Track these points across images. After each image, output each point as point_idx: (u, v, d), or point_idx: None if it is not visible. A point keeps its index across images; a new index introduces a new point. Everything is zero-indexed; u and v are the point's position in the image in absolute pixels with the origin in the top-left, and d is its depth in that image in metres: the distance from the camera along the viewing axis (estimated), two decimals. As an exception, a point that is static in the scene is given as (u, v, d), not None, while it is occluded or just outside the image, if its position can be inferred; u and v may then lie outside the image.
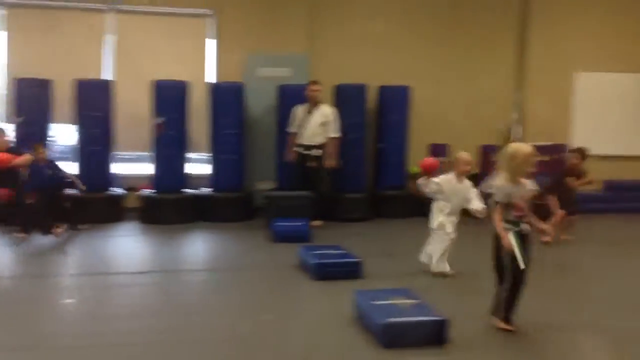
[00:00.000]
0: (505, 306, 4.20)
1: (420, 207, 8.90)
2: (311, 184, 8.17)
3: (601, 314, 4.70)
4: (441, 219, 5.69)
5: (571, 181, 7.50)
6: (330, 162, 8.27)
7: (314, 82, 8.30)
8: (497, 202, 4.19)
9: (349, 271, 5.51)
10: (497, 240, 4.20)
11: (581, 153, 7.71)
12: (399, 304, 4.20)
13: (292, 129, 8.31)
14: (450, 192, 5.64)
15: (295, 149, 8.27)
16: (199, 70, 9.41)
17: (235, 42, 9.24)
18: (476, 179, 9.30)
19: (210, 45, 9.42)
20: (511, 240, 4.08)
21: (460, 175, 5.69)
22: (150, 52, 9.17)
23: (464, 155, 5.75)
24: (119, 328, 4.30)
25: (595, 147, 9.92)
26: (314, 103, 8.23)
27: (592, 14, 10.15)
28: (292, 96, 8.61)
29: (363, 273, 5.55)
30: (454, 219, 5.71)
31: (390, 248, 6.96)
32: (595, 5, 10.16)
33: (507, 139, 9.81)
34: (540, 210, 5.22)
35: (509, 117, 9.93)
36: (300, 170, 8.25)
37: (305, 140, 8.22)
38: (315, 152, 8.20)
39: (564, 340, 4.16)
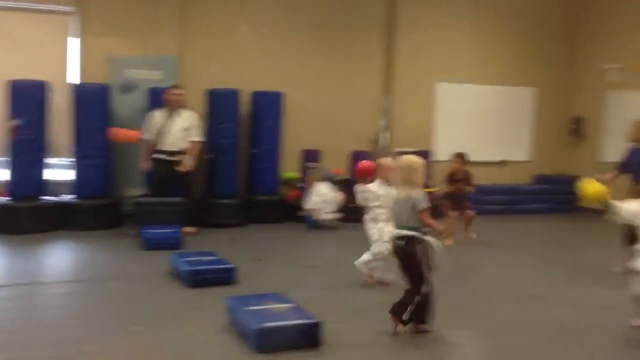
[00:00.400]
0: (420, 309, 4.25)
1: (292, 212, 9.12)
2: (181, 190, 8.00)
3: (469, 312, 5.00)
4: (380, 225, 5.44)
5: (458, 185, 8.04)
6: (189, 165, 8.06)
7: (176, 87, 8.13)
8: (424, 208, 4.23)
9: (223, 277, 5.46)
10: (414, 245, 4.22)
11: (461, 157, 8.27)
12: (272, 308, 4.23)
13: (148, 135, 7.98)
14: (386, 198, 5.21)
15: (155, 156, 8.03)
16: (61, 70, 8.88)
17: (101, 41, 8.80)
18: (347, 184, 9.67)
19: (74, 44, 8.92)
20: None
21: (385, 181, 5.50)
22: (6, 49, 8.53)
23: (387, 161, 5.63)
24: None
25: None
26: (175, 107, 8.06)
27: (455, 27, 10.74)
28: (160, 99, 8.39)
29: (237, 279, 5.52)
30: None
31: (264, 253, 6.97)
32: (459, 19, 10.78)
33: (376, 145, 10.23)
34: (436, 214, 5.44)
35: (377, 124, 10.32)
36: (164, 177, 8.01)
37: (168, 147, 8.01)
38: (179, 158, 8.02)
39: (436, 339, 4.36)
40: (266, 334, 3.92)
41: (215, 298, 4.87)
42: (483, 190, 9.92)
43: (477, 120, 10.93)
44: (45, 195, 8.14)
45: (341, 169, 9.67)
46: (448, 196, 8.05)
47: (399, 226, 4.33)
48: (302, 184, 9.37)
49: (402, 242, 4.27)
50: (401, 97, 10.44)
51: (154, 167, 8.00)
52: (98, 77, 8.58)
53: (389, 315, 4.31)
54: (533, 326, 4.64)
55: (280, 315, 4.13)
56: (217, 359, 3.83)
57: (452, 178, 8.17)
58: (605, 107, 10.93)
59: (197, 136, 8.16)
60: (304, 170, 9.49)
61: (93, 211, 8.11)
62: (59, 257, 7.13)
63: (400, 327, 4.30)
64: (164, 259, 6.01)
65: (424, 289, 4.22)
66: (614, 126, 10.82)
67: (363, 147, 9.95)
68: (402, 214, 4.32)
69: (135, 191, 8.50)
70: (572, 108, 11.48)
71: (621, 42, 10.60)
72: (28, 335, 4.19)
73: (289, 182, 9.62)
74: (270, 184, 9.27)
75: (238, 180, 9.08)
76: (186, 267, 5.44)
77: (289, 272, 6.14)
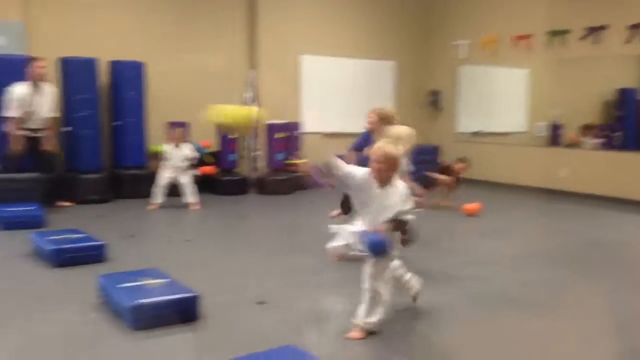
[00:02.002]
0: None
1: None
2: (47, 168, 7.57)
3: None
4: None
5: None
6: (53, 143, 7.75)
7: (40, 59, 7.61)
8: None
9: (92, 255, 5.24)
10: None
11: (466, 161, 8.90)
12: (148, 284, 4.16)
13: (13, 112, 7.41)
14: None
15: (22, 133, 7.49)
16: None
17: None
18: (216, 157, 9.60)
19: None
20: None
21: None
22: None
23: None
24: None
25: (321, 126, 10.90)
26: (39, 81, 7.55)
27: (309, 1, 10.92)
28: (7, 69, 7.78)
29: (107, 257, 5.34)
30: None
31: (134, 229, 6.79)
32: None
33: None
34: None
35: (244, 96, 10.28)
36: (33, 155, 7.55)
37: (34, 123, 7.52)
38: (43, 134, 7.59)
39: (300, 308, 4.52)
40: (141, 310, 3.85)
41: (85, 277, 4.69)
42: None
43: (342, 93, 11.24)
44: None
45: (209, 142, 9.59)
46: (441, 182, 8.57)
47: None
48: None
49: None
50: (266, 70, 10.47)
51: (24, 145, 7.49)
52: None
53: None
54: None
55: (155, 290, 4.08)
56: (91, 339, 3.70)
57: (449, 170, 8.74)
58: (459, 81, 11.71)
59: (55, 112, 7.78)
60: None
61: None
62: None
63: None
64: (24, 239, 5.67)
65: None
66: (467, 99, 11.67)
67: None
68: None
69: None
70: (430, 81, 12.17)
71: (471, 18, 11.37)
72: None
73: (156, 155, 9.37)
74: (137, 158, 8.98)
75: (102, 154, 8.70)
76: (51, 246, 5.17)
77: (162, 248, 6.05)
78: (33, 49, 8.25)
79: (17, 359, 3.43)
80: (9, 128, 7.48)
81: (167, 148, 8.22)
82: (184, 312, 3.98)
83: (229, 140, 9.54)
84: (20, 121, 7.47)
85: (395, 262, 4.04)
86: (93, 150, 8.52)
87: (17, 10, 8.41)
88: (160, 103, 9.30)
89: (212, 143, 9.64)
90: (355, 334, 3.75)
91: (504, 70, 11.29)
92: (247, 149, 10.26)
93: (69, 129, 8.35)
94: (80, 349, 3.59)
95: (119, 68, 8.90)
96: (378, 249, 3.70)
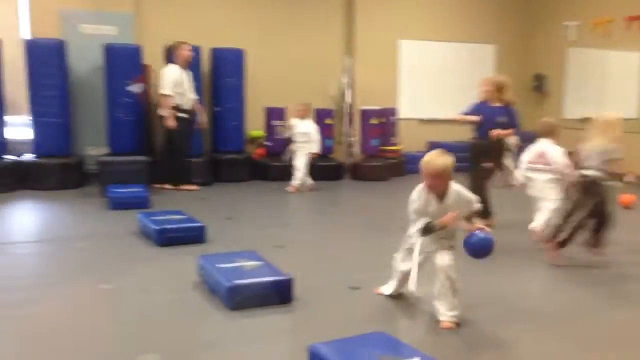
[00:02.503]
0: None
1: (259, 170, 9.12)
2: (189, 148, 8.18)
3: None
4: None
5: None
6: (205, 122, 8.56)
7: (186, 43, 8.07)
8: None
9: (192, 236, 5.44)
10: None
11: None
12: (244, 266, 4.26)
13: (168, 91, 7.84)
14: None
15: (178, 115, 7.93)
16: (13, 25, 8.55)
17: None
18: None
19: (23, -2, 8.59)
20: None
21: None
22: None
23: None
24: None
25: (418, 112, 10.73)
26: (188, 64, 8.02)
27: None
28: (119, 56, 8.21)
29: (206, 238, 5.52)
30: None
31: (232, 212, 6.98)
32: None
33: (340, 103, 10.25)
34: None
35: (340, 82, 10.30)
36: (186, 135, 8.09)
37: (186, 104, 8.01)
38: (191, 116, 8.14)
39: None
40: (238, 291, 3.96)
41: (185, 257, 4.89)
42: (451, 148, 10.08)
43: (439, 78, 11.01)
44: (4, 154, 7.94)
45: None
46: None
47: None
48: (268, 142, 9.36)
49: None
50: (363, 55, 10.42)
51: (178, 126, 7.91)
52: (49, 32, 8.30)
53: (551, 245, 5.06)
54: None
55: (251, 272, 4.17)
56: (189, 316, 3.86)
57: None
58: (566, 65, 11.13)
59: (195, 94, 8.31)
60: (269, 128, 9.45)
61: (54, 170, 7.96)
62: (21, 217, 6.99)
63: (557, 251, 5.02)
64: (131, 218, 5.97)
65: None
66: (575, 84, 11.06)
67: (326, 104, 9.98)
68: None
69: (98, 150, 8.38)
70: (534, 65, 11.65)
71: (581, -1, 10.76)
72: (-4, 297, 4.16)
73: (254, 140, 9.60)
74: (236, 142, 9.22)
75: (203, 139, 9.01)
76: (154, 226, 5.42)
77: (259, 231, 6.18)
78: (141, 38, 8.65)
79: (124, 330, 3.62)
80: (166, 106, 7.86)
81: (294, 122, 8.44)
82: (278, 294, 4.05)
83: (325, 126, 9.59)
84: (171, 100, 7.87)
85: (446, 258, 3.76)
86: (196, 135, 8.81)
87: (130, 2, 8.84)
88: (259, 89, 9.49)
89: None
90: (447, 324, 3.68)
91: (616, 53, 10.60)
92: (343, 135, 10.28)
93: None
94: (179, 323, 3.73)
95: (220, 55, 9.16)
96: (487, 247, 3.64)
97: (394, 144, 10.08)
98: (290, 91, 9.68)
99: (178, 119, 7.89)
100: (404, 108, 10.58)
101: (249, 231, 6.09)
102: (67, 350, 3.33)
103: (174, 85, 7.82)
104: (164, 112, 7.84)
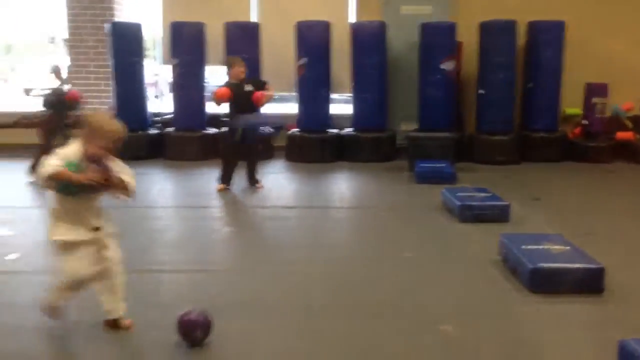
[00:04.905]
0: None
1: (574, 151, 8.48)
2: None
3: None
4: None
5: None
6: None
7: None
8: None
9: (496, 214, 5.33)
10: None
11: None
12: (550, 249, 4.04)
13: None
14: None
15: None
16: (340, 10, 9.36)
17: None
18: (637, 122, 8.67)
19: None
20: None
21: None
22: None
23: None
24: (280, 257, 4.55)
25: None
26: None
27: None
28: (434, 34, 8.39)
29: (510, 217, 5.36)
30: None
31: (540, 193, 6.63)
32: None
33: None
34: None
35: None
36: None
37: None
38: None
39: None
40: (542, 274, 3.77)
41: (487, 234, 4.82)
42: None
43: None
44: (329, 128, 8.80)
45: (631, 104, 8.66)
46: None
47: None
48: (585, 121, 8.65)
49: None
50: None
51: None
52: (372, 15, 8.86)
53: None
54: None
55: (557, 256, 3.93)
56: (487, 293, 3.81)
57: None
58: None
59: None
60: (588, 105, 8.69)
61: (370, 144, 8.55)
62: (339, 185, 7.73)
63: None
64: (435, 193, 6.10)
65: None
66: None
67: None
68: None
69: (409, 126, 8.74)
70: None
71: None
72: (313, 252, 4.66)
73: (570, 119, 8.95)
74: (548, 121, 8.71)
75: (512, 117, 8.71)
76: (459, 202, 5.45)
77: (568, 214, 5.78)
78: (455, 15, 8.69)
79: (422, 299, 3.75)
80: None
81: None
82: (586, 283, 3.76)
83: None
84: None
85: None
86: (505, 113, 8.58)
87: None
88: (579, 64, 8.75)
89: (635, 106, 8.68)
90: None
91: None
92: None
93: (482, 91, 8.59)
94: (475, 298, 3.73)
95: (537, 28, 8.69)
96: None
97: None
98: (615, 66, 8.74)
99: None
100: None
101: (556, 215, 5.73)
102: (369, 314, 3.57)
103: None
104: None
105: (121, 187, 3.00)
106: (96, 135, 2.96)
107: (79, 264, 3.04)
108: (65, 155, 2.94)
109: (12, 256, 4.44)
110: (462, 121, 8.87)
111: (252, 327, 3.31)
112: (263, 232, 5.43)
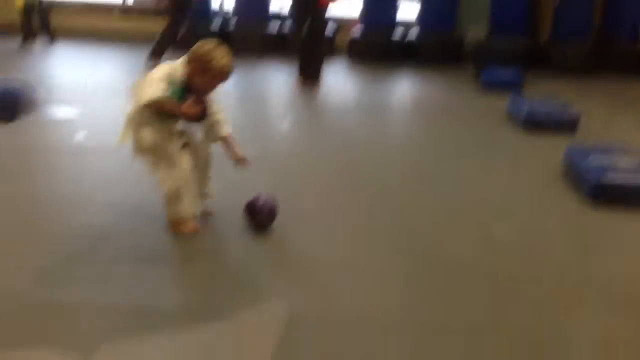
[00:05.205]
0: None
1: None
2: None
3: None
4: None
5: None
6: None
7: None
8: None
9: (564, 125, 5.13)
10: None
11: None
12: (617, 162, 3.89)
13: None
14: None
15: None
16: None
17: None
18: None
19: None
20: None
21: None
22: None
23: None
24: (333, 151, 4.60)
25: None
26: None
27: None
28: None
29: (580, 128, 5.15)
30: None
31: (612, 104, 6.28)
32: None
33: None
34: None
35: None
36: None
37: None
38: None
39: None
40: (606, 187, 3.66)
41: (553, 145, 4.65)
42: None
43: None
44: (395, 29, 8.50)
45: None
46: None
47: None
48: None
49: None
50: None
51: None
52: None
53: None
54: None
55: (624, 170, 3.79)
56: (547, 205, 3.74)
57: None
58: None
59: None
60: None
61: (436, 47, 8.25)
62: (403, 88, 7.58)
63: None
64: (502, 100, 5.90)
65: None
66: None
67: None
68: None
69: (478, 29, 8.33)
70: None
71: None
72: (374, 149, 4.66)
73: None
74: (631, 29, 8.10)
75: (591, 23, 8.16)
76: (525, 110, 5.26)
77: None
78: None
79: (482, 201, 3.71)
80: None
81: None
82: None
83: None
84: None
85: None
86: (583, 18, 8.04)
87: None
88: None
89: None
90: None
91: None
92: None
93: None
94: (535, 211, 3.67)
95: None
96: None
97: None
98: None
99: None
100: None
101: (630, 127, 5.46)
102: (414, 215, 3.59)
103: None
104: None
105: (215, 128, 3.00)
106: (206, 70, 2.80)
107: (178, 160, 2.92)
108: (172, 77, 2.81)
109: (80, 135, 4.61)
110: (536, 25, 8.38)
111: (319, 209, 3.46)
112: (322, 128, 5.43)
